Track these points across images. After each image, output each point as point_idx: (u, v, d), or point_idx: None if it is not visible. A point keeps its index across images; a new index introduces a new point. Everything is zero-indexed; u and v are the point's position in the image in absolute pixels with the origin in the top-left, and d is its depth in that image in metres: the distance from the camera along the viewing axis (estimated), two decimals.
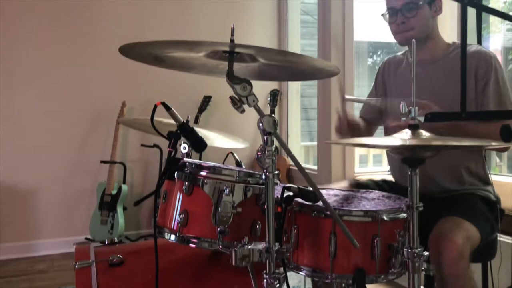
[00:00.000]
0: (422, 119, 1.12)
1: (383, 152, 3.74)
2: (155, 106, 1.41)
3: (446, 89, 1.64)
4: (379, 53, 5.64)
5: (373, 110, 1.95)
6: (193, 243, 1.30)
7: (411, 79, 1.74)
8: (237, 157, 1.79)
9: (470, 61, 1.61)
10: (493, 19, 3.16)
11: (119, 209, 3.37)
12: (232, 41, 1.09)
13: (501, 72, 1.64)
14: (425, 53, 1.73)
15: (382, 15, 1.77)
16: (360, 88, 4.64)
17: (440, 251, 1.38)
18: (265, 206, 1.10)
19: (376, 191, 1.51)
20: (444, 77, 1.68)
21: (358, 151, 3.46)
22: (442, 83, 1.68)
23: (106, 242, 1.64)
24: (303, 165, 4.09)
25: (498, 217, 1.66)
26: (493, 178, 1.76)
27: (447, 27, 2.68)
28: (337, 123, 1.76)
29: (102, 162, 3.47)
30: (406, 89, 1.79)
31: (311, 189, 1.17)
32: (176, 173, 1.35)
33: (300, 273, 1.27)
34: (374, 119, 1.96)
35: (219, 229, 1.24)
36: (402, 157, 1.19)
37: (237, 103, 1.13)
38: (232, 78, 1.11)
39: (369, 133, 1.96)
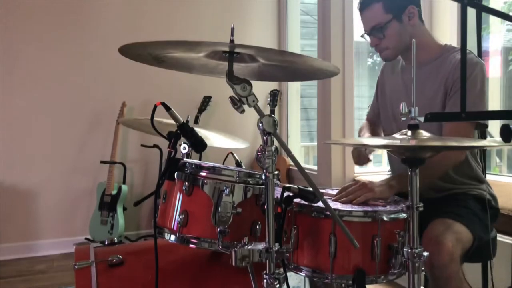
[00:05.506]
0: (422, 119, 1.12)
1: (383, 152, 3.74)
2: (155, 106, 1.41)
3: (421, 93, 1.61)
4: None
5: (375, 113, 1.98)
6: (193, 243, 1.30)
7: (401, 83, 1.75)
8: (237, 157, 1.79)
9: (446, 68, 1.61)
10: (493, 19, 3.15)
11: (119, 209, 3.37)
12: (232, 41, 1.09)
13: (478, 82, 1.55)
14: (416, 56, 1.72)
15: (362, 35, 1.77)
16: (360, 88, 4.63)
17: (431, 255, 1.38)
18: (265, 206, 1.10)
19: None
20: (424, 82, 1.66)
21: None
22: (420, 87, 1.64)
23: (106, 242, 1.64)
24: (303, 165, 4.10)
25: (494, 215, 1.66)
26: (493, 178, 1.76)
27: (447, 28, 2.68)
28: (357, 159, 1.81)
29: (102, 162, 3.46)
30: (396, 92, 1.80)
31: (311, 189, 1.17)
32: (176, 173, 1.35)
33: (300, 273, 1.28)
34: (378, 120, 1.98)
35: (219, 229, 1.24)
36: (402, 158, 1.19)
37: (237, 103, 1.13)
38: (232, 78, 1.11)
39: (377, 134, 1.98)
